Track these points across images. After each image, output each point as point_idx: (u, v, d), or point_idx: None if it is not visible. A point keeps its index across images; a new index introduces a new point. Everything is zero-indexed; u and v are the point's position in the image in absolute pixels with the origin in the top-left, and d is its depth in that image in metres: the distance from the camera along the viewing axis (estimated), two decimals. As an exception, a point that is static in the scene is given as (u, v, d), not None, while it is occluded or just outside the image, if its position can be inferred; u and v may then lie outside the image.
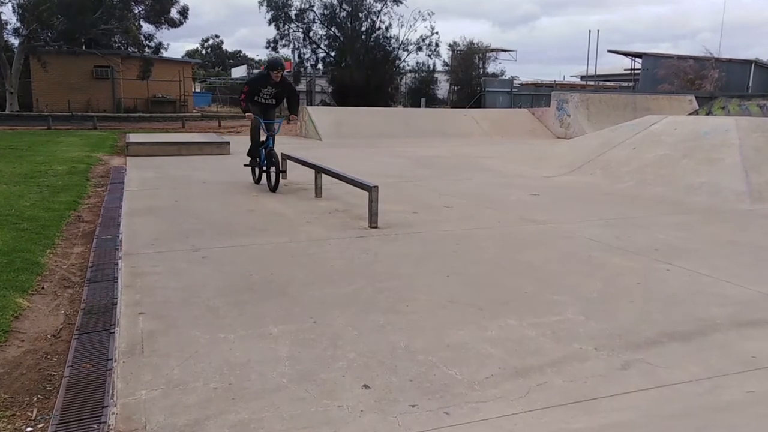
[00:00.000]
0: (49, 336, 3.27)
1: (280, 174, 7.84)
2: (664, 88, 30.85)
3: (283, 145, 14.34)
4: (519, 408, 2.46)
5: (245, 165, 8.52)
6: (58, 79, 30.37)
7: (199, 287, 3.91)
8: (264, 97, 7.95)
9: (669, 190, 7.87)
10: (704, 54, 33.98)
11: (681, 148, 8.65)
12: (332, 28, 33.42)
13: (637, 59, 38.58)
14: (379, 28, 33.31)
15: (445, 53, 38.45)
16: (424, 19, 42.71)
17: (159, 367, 2.78)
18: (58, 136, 17.08)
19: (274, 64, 8.09)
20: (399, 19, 39.29)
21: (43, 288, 3.99)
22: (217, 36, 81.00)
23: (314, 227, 5.77)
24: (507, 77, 38.91)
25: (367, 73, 31.12)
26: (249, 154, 8.45)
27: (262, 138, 8.17)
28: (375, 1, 32.97)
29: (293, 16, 33.00)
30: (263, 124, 7.90)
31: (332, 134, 17.03)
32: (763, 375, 2.79)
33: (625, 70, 41.81)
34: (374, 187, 5.72)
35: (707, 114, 15.86)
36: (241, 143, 15.60)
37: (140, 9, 31.17)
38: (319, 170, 7.36)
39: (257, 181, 8.41)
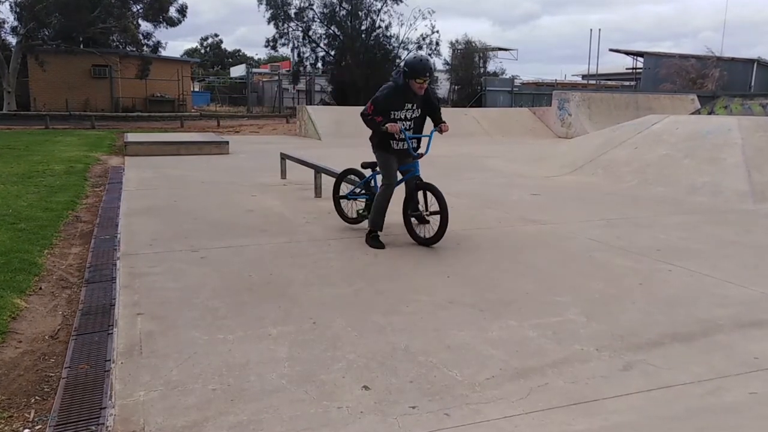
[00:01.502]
0: (46, 337, 3.24)
1: (447, 217, 4.81)
2: (665, 87, 30.88)
3: (282, 144, 14.34)
4: (520, 409, 2.45)
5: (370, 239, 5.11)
6: (56, 78, 30.33)
7: (197, 288, 3.89)
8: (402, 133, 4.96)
9: (671, 190, 7.84)
10: (706, 53, 34.00)
11: (683, 147, 8.62)
12: (332, 27, 33.37)
13: (639, 58, 38.58)
14: (379, 26, 33.31)
15: (445, 52, 38.51)
16: (424, 18, 42.83)
17: (157, 368, 2.76)
18: (56, 136, 17.06)
19: (418, 67, 4.83)
20: (399, 18, 39.35)
21: (40, 288, 3.97)
22: (216, 35, 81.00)
23: (314, 227, 5.74)
24: (508, 76, 38.96)
25: (366, 72, 31.07)
26: (373, 226, 5.12)
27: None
28: (375, -1, 32.94)
29: (293, 15, 32.96)
30: (410, 144, 5.02)
31: (332, 134, 17.02)
32: (766, 376, 2.77)
33: (626, 69, 41.79)
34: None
35: (709, 113, 15.84)
36: (240, 143, 15.61)
37: (138, 7, 31.14)
38: (319, 170, 7.34)
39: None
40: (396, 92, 4.96)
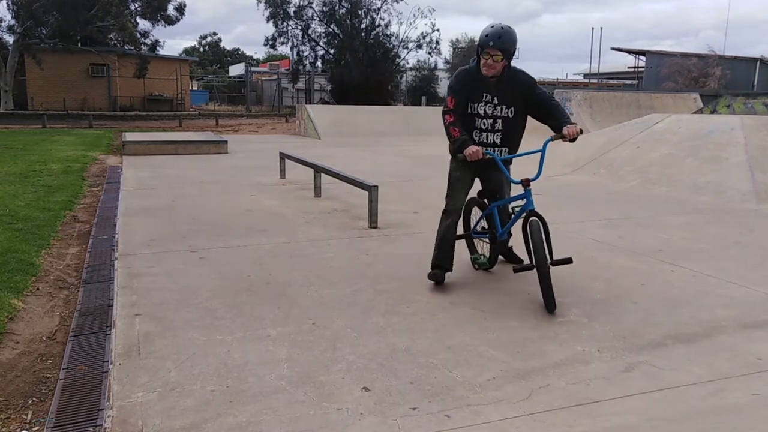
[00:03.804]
0: (44, 338, 3.22)
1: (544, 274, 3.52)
2: (668, 86, 30.85)
3: (281, 144, 14.32)
4: (521, 411, 2.43)
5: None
6: (54, 77, 30.31)
7: (196, 288, 3.87)
8: (480, 127, 3.84)
9: (673, 189, 7.83)
10: (708, 52, 33.99)
11: (685, 147, 8.61)
12: (331, 26, 33.34)
13: (641, 57, 38.55)
14: (379, 25, 33.28)
15: (446, 51, 38.41)
16: (424, 17, 42.83)
17: (156, 370, 2.74)
18: (54, 135, 17.03)
19: (482, 36, 3.59)
20: (399, 17, 39.35)
21: (38, 289, 3.94)
22: (215, 33, 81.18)
23: (313, 227, 5.72)
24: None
25: (366, 71, 31.05)
26: (434, 260, 4.01)
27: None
28: (374, -2, 32.89)
29: (292, 13, 32.92)
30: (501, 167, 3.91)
31: (331, 133, 17.00)
32: (770, 377, 2.75)
33: (628, 68, 41.82)
34: (374, 186, 5.67)
35: (712, 112, 15.84)
36: (239, 142, 15.58)
37: (136, 6, 31.16)
38: (318, 170, 7.32)
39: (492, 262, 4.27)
40: (468, 76, 3.72)
